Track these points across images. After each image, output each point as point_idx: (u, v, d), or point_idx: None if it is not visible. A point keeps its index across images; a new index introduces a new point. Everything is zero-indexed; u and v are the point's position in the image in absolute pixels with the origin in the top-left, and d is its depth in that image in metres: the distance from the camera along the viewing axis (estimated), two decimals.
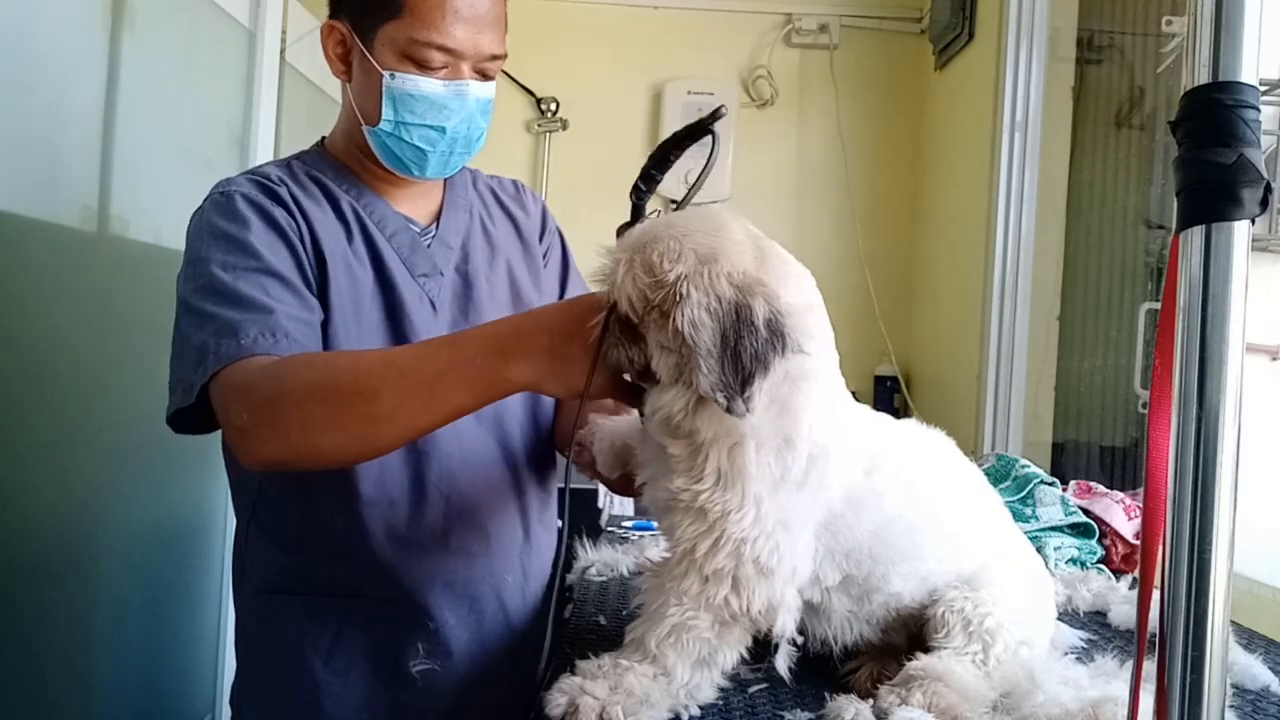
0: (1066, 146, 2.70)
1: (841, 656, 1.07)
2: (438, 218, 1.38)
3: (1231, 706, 1.01)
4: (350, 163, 1.34)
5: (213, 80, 2.25)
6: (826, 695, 0.95)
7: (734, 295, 0.85)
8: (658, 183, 1.09)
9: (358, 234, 1.29)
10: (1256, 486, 1.16)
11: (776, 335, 0.86)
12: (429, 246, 1.34)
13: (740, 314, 0.85)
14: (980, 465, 1.85)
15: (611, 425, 1.17)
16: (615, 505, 2.13)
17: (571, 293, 1.51)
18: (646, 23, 3.45)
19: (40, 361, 1.63)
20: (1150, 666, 0.68)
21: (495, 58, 1.27)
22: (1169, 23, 2.01)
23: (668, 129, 3.35)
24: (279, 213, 1.22)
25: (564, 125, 3.42)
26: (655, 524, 1.82)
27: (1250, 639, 1.29)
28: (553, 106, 3.42)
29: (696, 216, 0.92)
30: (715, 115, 1.05)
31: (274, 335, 1.12)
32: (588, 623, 1.23)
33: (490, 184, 1.50)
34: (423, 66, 1.23)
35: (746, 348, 0.84)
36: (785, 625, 0.93)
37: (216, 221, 1.20)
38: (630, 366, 0.93)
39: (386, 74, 1.23)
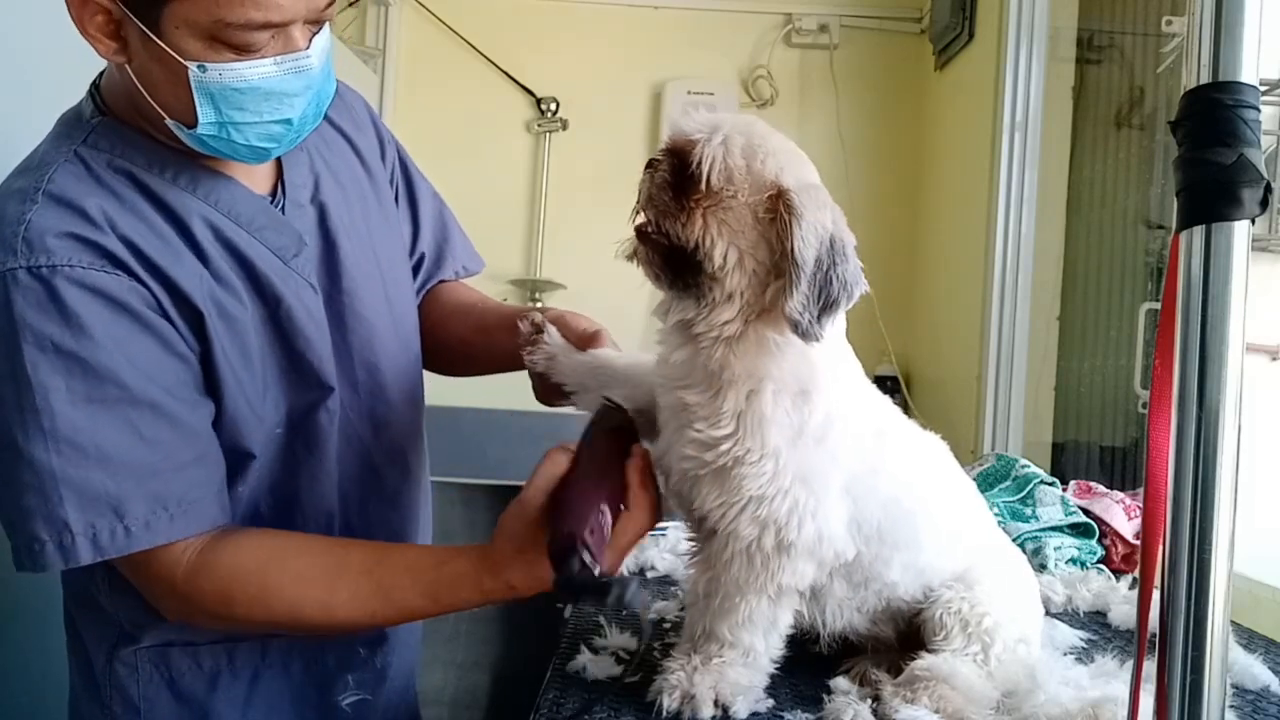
0: (1066, 146, 2.70)
1: (837, 651, 1.07)
2: (278, 172, 1.10)
3: (1231, 706, 1.01)
4: (152, 133, 1.01)
5: None
6: (826, 696, 0.96)
7: (833, 224, 0.88)
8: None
9: (215, 249, 1.00)
10: (1256, 486, 1.16)
11: (859, 272, 0.89)
12: (285, 214, 1.08)
13: (834, 244, 0.87)
14: (980, 465, 1.85)
15: (566, 353, 1.09)
16: None
17: (425, 226, 1.31)
18: (646, 23, 3.44)
19: None
20: (1150, 666, 0.68)
21: (331, 1, 0.95)
22: (1169, 23, 2.01)
23: (668, 129, 3.35)
24: (122, 285, 0.92)
25: (564, 125, 3.42)
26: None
27: (1250, 639, 1.29)
28: (553, 106, 3.41)
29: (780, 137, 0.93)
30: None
31: (165, 509, 0.92)
32: (588, 623, 1.23)
33: None
34: (244, 51, 0.91)
35: (838, 277, 0.86)
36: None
37: (40, 325, 0.88)
38: (661, 242, 0.89)
39: (193, 66, 0.90)
